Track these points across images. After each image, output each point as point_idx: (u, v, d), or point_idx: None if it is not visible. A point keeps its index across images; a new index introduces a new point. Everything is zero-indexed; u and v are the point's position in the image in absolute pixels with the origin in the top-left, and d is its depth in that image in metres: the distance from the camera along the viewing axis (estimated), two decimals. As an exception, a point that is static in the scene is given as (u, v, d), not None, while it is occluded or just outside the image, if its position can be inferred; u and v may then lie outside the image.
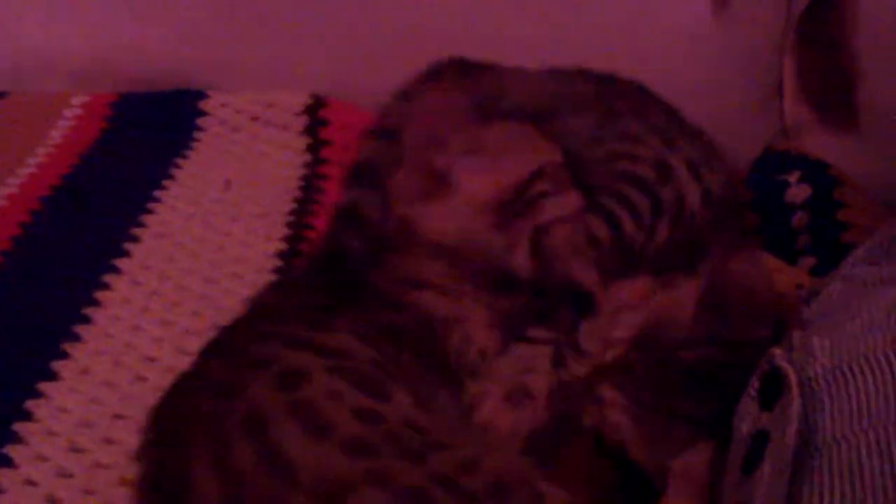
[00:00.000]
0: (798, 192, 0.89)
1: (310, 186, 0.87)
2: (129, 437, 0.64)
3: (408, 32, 0.95)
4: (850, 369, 0.55)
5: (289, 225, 0.82)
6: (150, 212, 0.84)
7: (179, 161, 0.90)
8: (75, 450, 0.65)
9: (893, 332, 0.55)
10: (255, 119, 0.94)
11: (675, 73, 0.96)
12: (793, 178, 0.91)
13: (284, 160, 0.90)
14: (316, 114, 0.93)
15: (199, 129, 0.93)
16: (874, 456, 0.49)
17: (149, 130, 0.93)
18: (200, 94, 0.96)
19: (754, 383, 0.57)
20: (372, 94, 0.88)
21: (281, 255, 0.80)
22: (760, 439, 0.53)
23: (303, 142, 0.91)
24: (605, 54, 0.91)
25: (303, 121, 0.93)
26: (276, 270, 0.78)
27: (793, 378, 0.55)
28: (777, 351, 0.58)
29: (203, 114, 0.95)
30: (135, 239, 0.81)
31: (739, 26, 0.98)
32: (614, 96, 0.81)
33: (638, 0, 0.97)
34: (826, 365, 0.57)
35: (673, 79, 0.90)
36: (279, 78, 0.97)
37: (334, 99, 0.93)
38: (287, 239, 0.81)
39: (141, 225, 0.83)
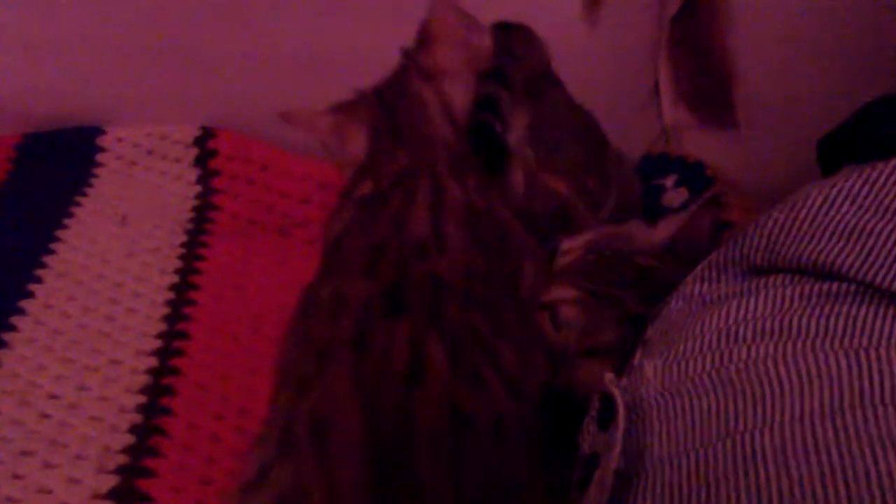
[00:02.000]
0: (675, 196, 0.94)
1: (200, 217, 0.92)
2: (35, 473, 0.71)
3: (295, 61, 1.00)
4: (678, 392, 0.56)
5: (181, 257, 0.88)
6: (52, 252, 0.89)
7: (79, 199, 0.95)
8: (-18, 486, 0.69)
9: (723, 353, 0.57)
10: (150, 152, 0.99)
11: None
12: (669, 181, 0.95)
13: (177, 192, 0.95)
14: (205, 145, 0.98)
15: (98, 164, 0.99)
16: (692, 477, 0.50)
17: (51, 169, 0.98)
18: (98, 131, 1.00)
19: (595, 403, 0.59)
20: (263, 123, 0.94)
21: (173, 287, 0.85)
22: (593, 460, 0.55)
23: (194, 173, 0.97)
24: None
25: (193, 152, 0.98)
26: (168, 303, 0.84)
27: (619, 402, 0.56)
28: (609, 375, 0.59)
29: (101, 149, 1.00)
30: (38, 280, 0.87)
31: (612, 30, 1.01)
32: None
33: (510, 4, 1.00)
34: (657, 387, 0.58)
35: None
36: (175, 110, 1.01)
37: (223, 130, 0.98)
38: (179, 272, 0.87)
39: (44, 266, 0.88)
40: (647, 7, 1.02)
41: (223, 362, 0.79)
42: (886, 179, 0.61)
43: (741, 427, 0.51)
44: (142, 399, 0.76)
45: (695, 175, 0.97)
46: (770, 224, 0.63)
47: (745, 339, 0.57)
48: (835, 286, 0.58)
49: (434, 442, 0.55)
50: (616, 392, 0.57)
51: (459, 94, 0.78)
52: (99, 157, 0.99)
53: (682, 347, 0.59)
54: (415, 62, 0.80)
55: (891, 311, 0.55)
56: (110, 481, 0.70)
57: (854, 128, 0.75)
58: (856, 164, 0.65)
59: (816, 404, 0.50)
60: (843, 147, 0.75)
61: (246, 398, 0.76)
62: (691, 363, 0.58)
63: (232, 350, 0.79)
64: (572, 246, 0.73)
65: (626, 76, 1.05)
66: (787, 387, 0.52)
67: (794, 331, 0.56)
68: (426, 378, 0.57)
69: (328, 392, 0.57)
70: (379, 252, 0.65)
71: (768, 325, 0.57)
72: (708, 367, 0.57)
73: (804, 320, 0.56)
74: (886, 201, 0.60)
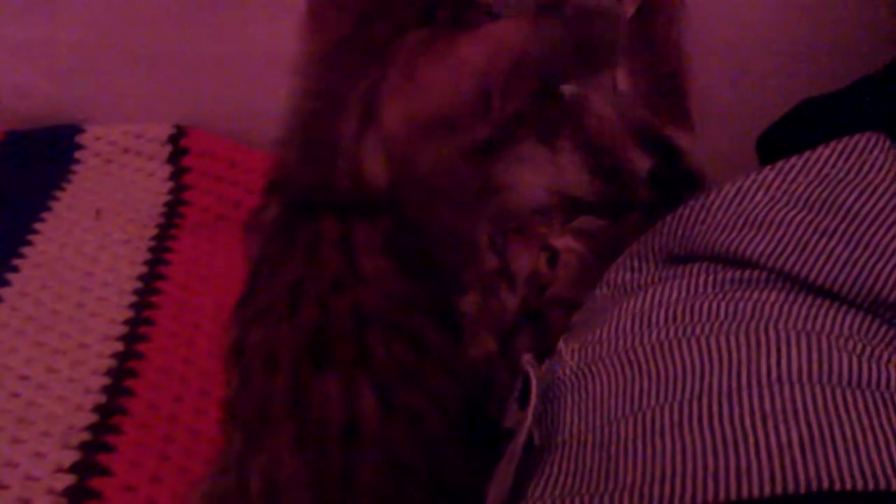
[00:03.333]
0: None
1: (171, 212, 0.96)
2: (4, 447, 0.76)
3: (265, 61, 1.04)
4: (591, 371, 0.58)
5: (150, 249, 0.92)
6: (29, 243, 0.94)
7: (58, 194, 0.99)
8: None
9: (634, 336, 0.59)
10: (126, 150, 1.03)
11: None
12: None
13: (151, 188, 1.00)
14: (177, 143, 1.02)
15: (77, 161, 1.03)
16: (597, 451, 0.52)
17: (32, 165, 1.03)
18: (77, 129, 1.05)
19: (518, 384, 0.59)
20: (235, 121, 0.98)
21: (141, 277, 0.89)
22: (508, 436, 0.56)
23: (166, 170, 1.01)
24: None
25: (167, 150, 1.02)
26: (136, 292, 0.88)
27: (533, 380, 0.57)
28: (527, 355, 0.60)
29: (80, 147, 1.04)
30: (15, 269, 0.91)
31: None
32: None
33: None
34: (572, 367, 0.60)
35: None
36: (152, 109, 1.06)
37: (194, 128, 1.02)
38: (148, 263, 0.91)
39: (21, 256, 0.92)
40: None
41: (184, 348, 0.83)
42: (798, 172, 0.64)
43: (644, 405, 0.53)
44: (106, 381, 0.80)
45: None
46: (686, 214, 0.65)
47: (656, 323, 0.59)
48: (746, 273, 0.60)
49: (376, 500, 0.58)
50: (531, 371, 0.58)
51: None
52: (77, 155, 1.03)
53: (598, 331, 0.61)
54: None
55: (800, 298, 0.57)
56: (73, 456, 0.74)
57: (789, 126, 0.78)
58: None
59: (715, 383, 0.52)
60: (781, 145, 0.78)
61: (205, 381, 0.80)
62: (605, 345, 0.60)
63: (193, 337, 0.83)
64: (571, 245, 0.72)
65: None
66: (688, 367, 0.54)
67: (704, 315, 0.58)
68: (362, 435, 0.60)
69: (276, 458, 0.60)
70: (297, 289, 0.64)
71: (679, 309, 0.59)
72: (619, 348, 0.58)
73: (714, 305, 0.58)
74: (797, 193, 0.62)
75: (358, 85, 0.65)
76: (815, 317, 0.56)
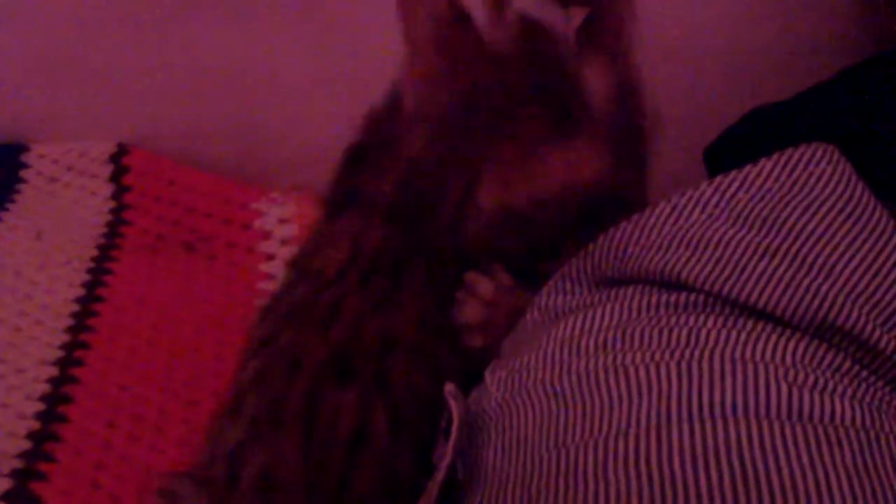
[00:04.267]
0: None
1: (112, 232, 0.96)
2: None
3: (207, 79, 1.04)
4: (515, 403, 0.56)
5: (89, 271, 0.92)
6: (-31, 266, 0.94)
7: (2, 215, 0.99)
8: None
9: (562, 365, 0.56)
10: (70, 169, 1.03)
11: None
12: None
13: (93, 207, 1.00)
14: (119, 161, 1.02)
15: (21, 180, 1.03)
16: (518, 488, 0.50)
17: (-24, 186, 1.03)
18: (22, 147, 1.04)
19: (445, 416, 0.59)
20: (179, 139, 0.98)
21: (79, 299, 0.90)
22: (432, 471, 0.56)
23: (108, 189, 1.01)
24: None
25: (109, 169, 1.02)
26: (73, 315, 0.88)
27: (454, 412, 0.56)
28: (449, 385, 0.59)
29: (24, 166, 1.04)
30: (-46, 293, 0.91)
31: None
32: None
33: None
34: (497, 398, 0.58)
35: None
36: (96, 126, 1.05)
37: (136, 147, 1.02)
38: (86, 285, 0.91)
39: (-39, 279, 0.93)
40: (552, 18, 1.04)
41: (119, 373, 0.83)
42: (738, 188, 0.60)
43: (568, 440, 0.51)
44: (40, 406, 0.80)
45: None
46: (619, 235, 0.62)
47: (585, 351, 0.57)
48: (682, 297, 0.57)
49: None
50: (452, 403, 0.57)
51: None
52: (22, 174, 1.03)
53: (525, 358, 0.59)
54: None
55: (738, 323, 0.55)
56: (4, 484, 0.74)
57: (737, 136, 0.77)
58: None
59: (643, 416, 0.50)
60: (729, 157, 0.77)
61: (139, 407, 0.81)
62: (532, 374, 0.58)
63: (128, 361, 0.84)
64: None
65: None
66: (615, 398, 0.52)
67: (635, 342, 0.55)
68: (368, 448, 0.63)
69: (278, 455, 0.63)
70: (338, 308, 0.68)
71: (609, 336, 0.57)
72: (546, 378, 0.56)
73: (646, 332, 0.55)
74: (737, 210, 0.59)
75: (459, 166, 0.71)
76: (754, 343, 0.54)
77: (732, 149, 0.75)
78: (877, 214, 0.58)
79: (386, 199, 0.72)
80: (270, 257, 0.93)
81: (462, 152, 0.71)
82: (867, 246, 0.56)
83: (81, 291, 0.90)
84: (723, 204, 0.60)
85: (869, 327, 0.53)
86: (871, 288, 0.55)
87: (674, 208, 0.60)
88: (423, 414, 0.64)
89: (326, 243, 0.72)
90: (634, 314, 0.58)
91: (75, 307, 0.88)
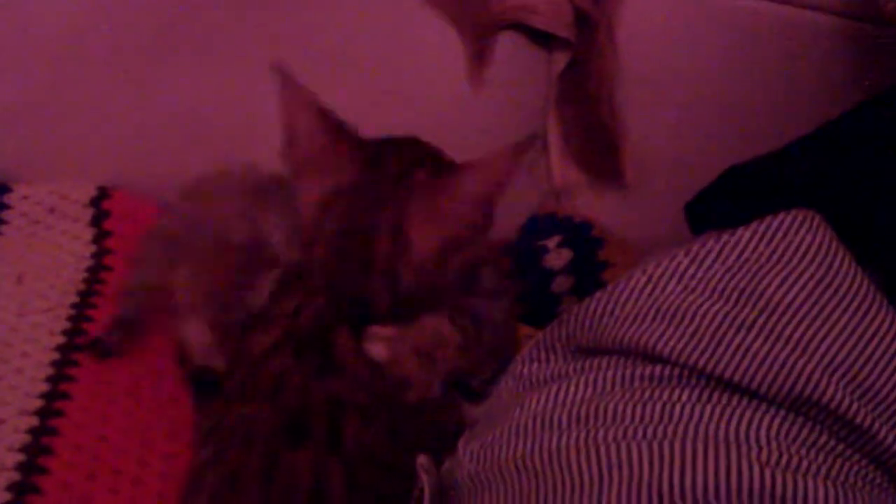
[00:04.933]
0: (557, 256, 0.96)
1: (93, 278, 0.96)
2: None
3: (188, 123, 1.04)
4: (487, 478, 0.57)
5: (69, 318, 0.92)
6: (-51, 313, 0.93)
7: (-22, 259, 0.99)
8: None
9: (535, 440, 0.57)
10: (52, 211, 1.02)
11: (438, 137, 1.03)
12: (552, 242, 0.98)
13: (74, 251, 0.99)
14: (100, 205, 1.02)
15: (3, 222, 1.02)
16: None
17: (-44, 227, 1.02)
18: (4, 188, 1.04)
19: (417, 487, 0.61)
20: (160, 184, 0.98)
21: (59, 348, 0.90)
22: None
23: (90, 233, 1.01)
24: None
25: (90, 212, 1.02)
26: (53, 364, 0.88)
27: (426, 486, 0.58)
28: (422, 457, 0.61)
29: (6, 207, 1.03)
30: (-66, 340, 0.91)
31: (499, 87, 1.03)
32: None
33: (393, 63, 1.02)
34: (470, 471, 0.59)
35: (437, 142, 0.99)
36: (78, 168, 1.05)
37: (117, 190, 1.02)
38: (66, 332, 0.91)
39: (-60, 327, 0.92)
40: (535, 63, 1.04)
41: (99, 423, 0.83)
42: (715, 258, 0.61)
43: None
44: (21, 457, 0.80)
45: (580, 235, 1.00)
46: (594, 304, 0.63)
47: (558, 426, 0.57)
48: (658, 369, 0.58)
49: None
50: (423, 476, 0.58)
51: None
52: (4, 215, 1.02)
53: (498, 431, 0.60)
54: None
55: (714, 397, 0.55)
56: (-16, 537, 0.74)
57: (718, 194, 0.78)
58: (717, 229, 0.65)
59: (613, 498, 0.51)
60: (710, 214, 0.77)
61: (119, 459, 0.81)
62: (504, 449, 0.59)
63: (109, 412, 0.84)
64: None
65: (513, 134, 1.05)
66: (587, 478, 0.53)
67: (609, 418, 0.56)
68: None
69: None
70: (282, 379, 0.71)
71: (583, 410, 0.57)
72: (518, 453, 0.57)
73: (620, 406, 0.56)
74: (714, 281, 0.60)
75: (383, 216, 0.74)
76: (728, 419, 0.54)
77: (714, 205, 0.75)
78: (857, 283, 0.59)
79: (317, 271, 0.75)
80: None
81: (375, 204, 0.75)
82: (846, 317, 0.57)
83: (62, 339, 0.90)
84: (699, 275, 0.60)
85: (846, 402, 0.54)
86: (850, 361, 0.56)
87: (649, 279, 0.61)
88: (381, 474, 0.66)
89: (259, 329, 0.74)
90: (609, 387, 0.59)
91: (56, 355, 0.88)
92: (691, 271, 0.61)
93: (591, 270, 0.96)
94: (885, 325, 0.58)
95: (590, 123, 1.02)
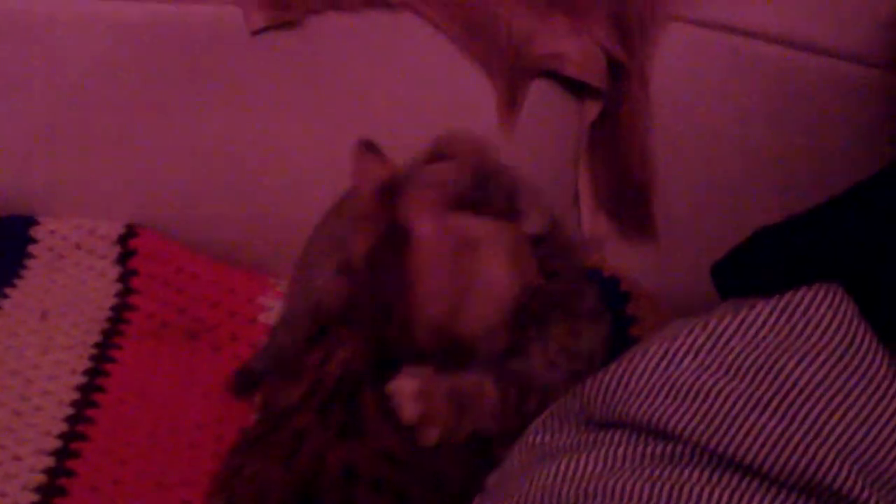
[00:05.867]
0: None
1: (117, 317, 0.96)
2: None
3: (220, 163, 1.04)
4: None
5: (91, 358, 0.92)
6: (-27, 345, 0.94)
7: (7, 290, 0.99)
8: None
9: None
10: (78, 246, 1.03)
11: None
12: None
13: (99, 289, 1.00)
14: (127, 243, 1.02)
15: (29, 256, 1.03)
16: None
17: (-17, 257, 1.03)
18: (31, 221, 1.04)
19: None
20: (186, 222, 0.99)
21: (80, 388, 0.89)
22: None
23: (115, 271, 1.01)
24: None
25: (116, 250, 1.02)
26: (73, 404, 0.88)
27: None
28: None
29: (33, 241, 1.04)
30: (-43, 373, 0.91)
31: (530, 135, 1.01)
32: None
33: (423, 109, 1.01)
34: None
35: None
36: (106, 204, 1.06)
37: (144, 228, 1.02)
38: (87, 372, 0.91)
39: (-36, 359, 0.92)
40: (566, 112, 1.03)
41: (116, 467, 0.83)
42: (733, 334, 0.60)
43: None
44: (35, 498, 0.80)
45: (608, 290, 0.98)
46: (608, 378, 0.62)
47: (565, 501, 0.57)
48: (669, 448, 0.57)
49: None
50: None
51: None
52: (31, 249, 1.03)
53: (503, 502, 0.60)
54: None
55: (724, 479, 0.54)
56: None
57: (744, 256, 0.76)
58: (739, 297, 0.65)
59: None
60: (737, 276, 0.76)
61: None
62: None
63: (126, 456, 0.84)
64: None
65: (545, 183, 1.05)
66: None
67: (616, 496, 0.55)
68: None
69: None
70: (301, 439, 0.71)
71: (592, 486, 0.56)
72: None
73: (629, 485, 0.55)
74: (730, 358, 0.59)
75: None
76: (738, 503, 0.53)
77: (741, 268, 0.74)
78: (877, 363, 0.58)
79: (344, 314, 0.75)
80: (273, 354, 0.93)
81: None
82: (864, 398, 0.56)
83: (83, 379, 0.90)
84: (715, 352, 0.59)
85: (858, 487, 0.53)
86: (865, 445, 0.54)
87: (665, 353, 0.60)
88: None
89: (290, 378, 0.74)
90: (619, 464, 0.58)
91: (76, 395, 0.88)
92: (708, 346, 0.60)
93: (618, 326, 0.94)
94: None
95: (620, 174, 1.01)
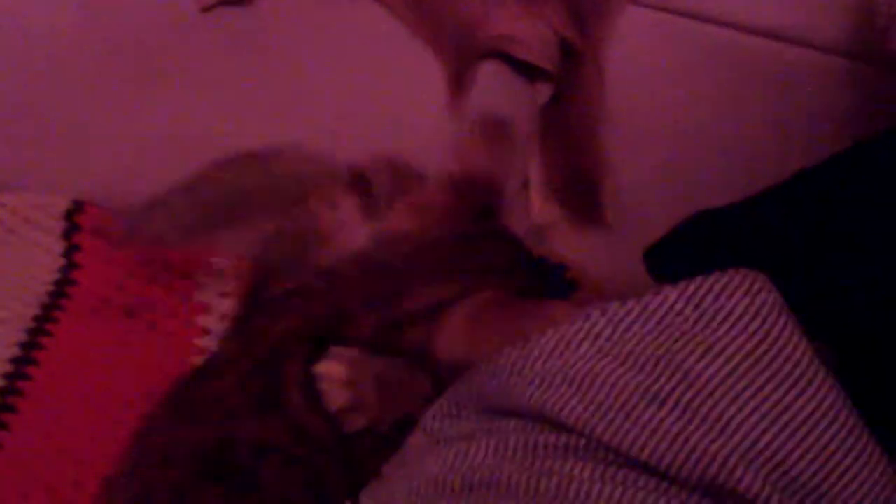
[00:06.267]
0: None
1: (58, 291, 0.96)
2: None
3: (166, 144, 1.03)
4: None
5: (28, 331, 0.91)
6: None
7: (-50, 264, 0.99)
8: None
9: (421, 502, 0.55)
10: (27, 221, 1.02)
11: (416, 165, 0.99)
12: None
13: (44, 263, 0.99)
14: (73, 218, 1.01)
15: (-21, 227, 1.03)
16: None
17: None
18: (-16, 193, 1.04)
19: None
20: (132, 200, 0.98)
21: (13, 360, 0.89)
22: None
23: (60, 246, 1.00)
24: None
25: (62, 225, 1.01)
26: (5, 376, 0.87)
27: None
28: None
29: (-15, 213, 1.03)
30: None
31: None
32: None
33: (374, 91, 1.00)
34: None
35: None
36: (55, 180, 1.05)
37: (91, 204, 1.02)
38: (22, 345, 0.90)
39: None
40: (518, 94, 1.00)
41: (42, 440, 0.82)
42: (634, 321, 0.57)
43: None
44: (-42, 465, 0.79)
45: (554, 278, 0.96)
46: (502, 361, 0.59)
47: (451, 490, 0.55)
48: (563, 438, 0.54)
49: None
50: None
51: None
52: (-19, 220, 1.02)
53: (396, 488, 0.59)
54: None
55: (619, 475, 0.52)
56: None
57: (678, 239, 0.74)
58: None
59: None
60: (670, 259, 0.73)
61: (55, 478, 0.80)
62: None
63: (51, 431, 0.83)
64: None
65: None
66: None
67: (503, 487, 0.53)
68: None
69: None
70: (217, 404, 0.72)
71: (477, 477, 0.55)
72: None
73: (515, 475, 0.53)
74: (630, 345, 0.56)
75: None
76: (630, 501, 0.51)
77: (671, 252, 0.72)
78: (796, 356, 0.55)
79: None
80: (207, 332, 0.92)
81: None
82: (775, 397, 0.53)
83: (17, 352, 0.89)
84: (615, 337, 0.56)
85: (765, 492, 0.50)
86: (773, 447, 0.51)
87: (561, 338, 0.57)
88: None
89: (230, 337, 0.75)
90: (510, 453, 0.55)
91: (8, 367, 0.88)
92: (607, 332, 0.57)
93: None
94: (822, 408, 0.53)
95: (571, 159, 0.99)
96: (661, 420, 0.53)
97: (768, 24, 0.93)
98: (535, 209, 1.03)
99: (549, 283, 0.95)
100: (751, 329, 0.56)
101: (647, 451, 0.52)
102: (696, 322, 0.57)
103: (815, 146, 0.89)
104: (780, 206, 0.73)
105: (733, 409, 0.53)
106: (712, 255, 0.68)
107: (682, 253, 0.72)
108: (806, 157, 0.89)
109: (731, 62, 0.94)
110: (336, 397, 0.70)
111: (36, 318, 0.93)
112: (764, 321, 0.56)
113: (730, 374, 0.54)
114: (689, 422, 0.53)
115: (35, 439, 0.83)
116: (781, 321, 0.56)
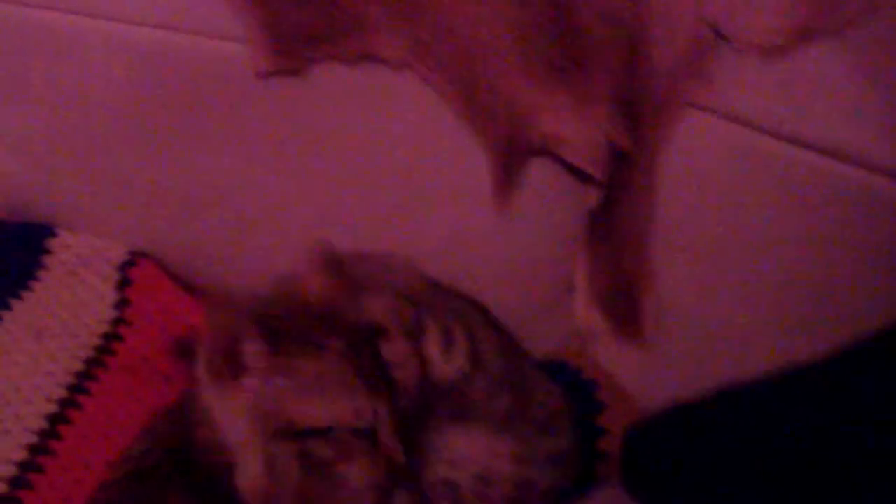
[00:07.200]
0: None
1: (104, 346, 0.99)
2: None
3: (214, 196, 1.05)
4: None
5: (68, 387, 0.96)
6: (-33, 358, 0.98)
7: (13, 302, 1.04)
8: None
9: None
10: (87, 265, 1.06)
11: (460, 263, 0.99)
12: None
13: (95, 314, 1.03)
14: (126, 272, 1.04)
15: (42, 267, 1.07)
16: None
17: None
18: (49, 232, 1.08)
19: None
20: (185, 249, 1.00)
21: (49, 417, 0.93)
22: None
23: (114, 297, 1.04)
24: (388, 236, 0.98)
25: (117, 276, 1.05)
26: (39, 433, 0.92)
27: None
28: None
29: (49, 252, 1.07)
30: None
31: (525, 215, 0.97)
32: None
33: (418, 172, 0.98)
34: None
35: (462, 279, 0.95)
36: (107, 225, 1.08)
37: (144, 258, 1.05)
38: (60, 402, 0.94)
39: (-40, 367, 0.97)
40: (566, 194, 0.97)
41: (62, 504, 0.86)
42: None
43: None
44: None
45: (582, 394, 0.95)
46: None
47: None
48: None
49: None
50: None
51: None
52: (44, 259, 1.06)
53: None
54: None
55: None
56: None
57: (658, 430, 0.72)
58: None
59: None
60: (648, 444, 0.72)
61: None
62: None
63: (72, 494, 0.87)
64: None
65: (538, 268, 1.01)
66: None
67: None
68: None
69: None
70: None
71: None
72: None
73: None
74: None
75: None
76: None
77: (651, 442, 0.70)
78: None
79: None
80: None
81: None
82: None
83: (54, 408, 0.93)
84: None
85: None
86: None
87: None
88: None
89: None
90: None
91: (44, 424, 0.92)
92: None
93: (587, 434, 0.91)
94: None
95: (617, 267, 0.96)
96: None
97: (835, 145, 0.87)
98: (578, 314, 1.01)
99: (578, 401, 0.93)
100: None
101: None
102: None
103: (864, 274, 0.84)
104: (759, 411, 0.70)
105: None
106: (683, 449, 0.67)
107: (659, 441, 0.70)
108: (852, 285, 0.84)
109: (791, 181, 0.88)
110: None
111: (77, 374, 0.97)
112: None
113: None
114: None
115: (55, 499, 0.87)
116: None
